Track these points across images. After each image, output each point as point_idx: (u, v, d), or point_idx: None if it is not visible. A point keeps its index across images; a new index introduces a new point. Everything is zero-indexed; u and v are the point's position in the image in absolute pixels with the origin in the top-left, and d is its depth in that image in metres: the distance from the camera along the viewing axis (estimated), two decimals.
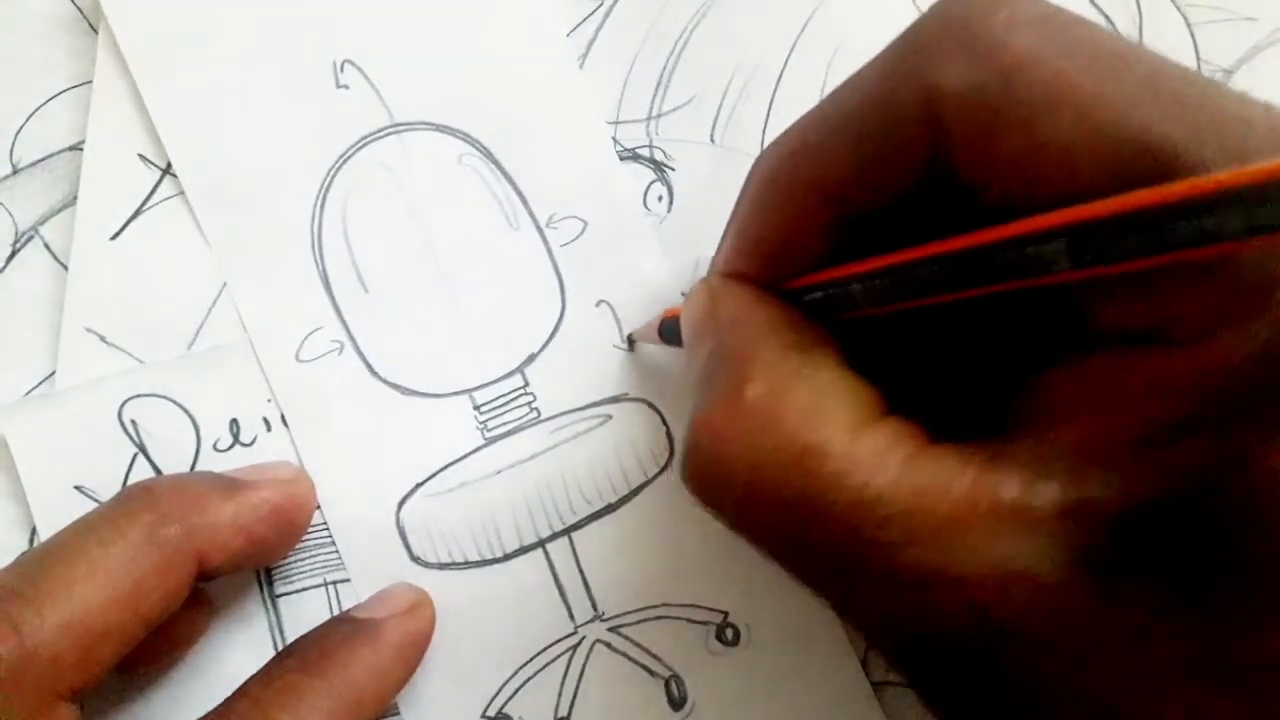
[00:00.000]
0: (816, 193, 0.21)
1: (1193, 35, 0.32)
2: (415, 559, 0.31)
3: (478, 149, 0.32)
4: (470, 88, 0.32)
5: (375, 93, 0.31)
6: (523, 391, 0.31)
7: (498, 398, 0.31)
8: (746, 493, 0.20)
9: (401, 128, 0.31)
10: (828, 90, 0.32)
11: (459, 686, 0.30)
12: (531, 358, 0.31)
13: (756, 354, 0.21)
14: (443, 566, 0.31)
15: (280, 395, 0.31)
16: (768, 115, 0.32)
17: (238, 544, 0.27)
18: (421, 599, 0.30)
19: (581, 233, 0.32)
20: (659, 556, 0.31)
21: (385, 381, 0.31)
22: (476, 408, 0.31)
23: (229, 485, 0.28)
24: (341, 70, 0.31)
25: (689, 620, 0.31)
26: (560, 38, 0.32)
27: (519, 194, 0.32)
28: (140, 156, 0.31)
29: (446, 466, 0.31)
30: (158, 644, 0.29)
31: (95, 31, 0.31)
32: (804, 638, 0.30)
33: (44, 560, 0.25)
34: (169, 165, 0.31)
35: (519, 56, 0.32)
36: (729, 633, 0.31)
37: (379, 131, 0.31)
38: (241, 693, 0.27)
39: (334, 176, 0.31)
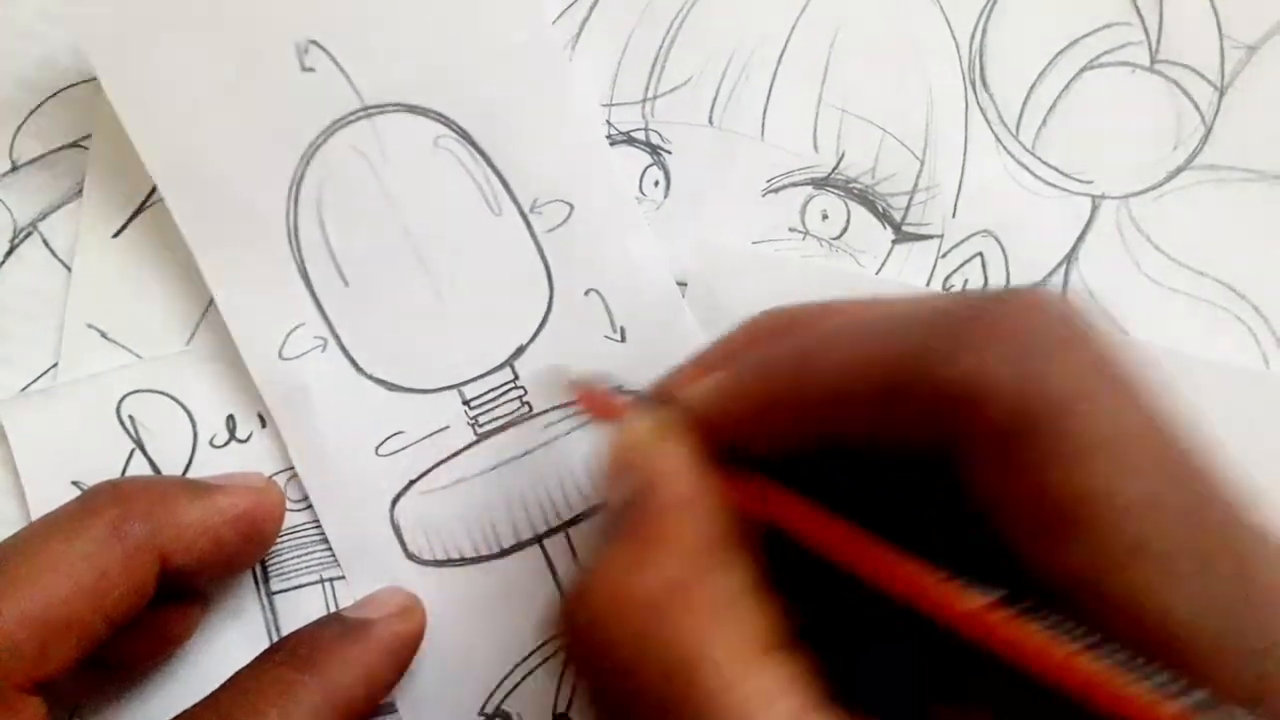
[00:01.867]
0: (818, 410, 0.20)
1: (1215, 10, 0.30)
2: (410, 556, 0.30)
3: (454, 130, 0.30)
4: (443, 66, 0.30)
5: (343, 74, 0.30)
6: (513, 385, 0.30)
7: (487, 392, 0.30)
8: (615, 677, 0.19)
9: (372, 110, 0.30)
10: (830, 70, 0.32)
11: (456, 683, 0.30)
12: (520, 350, 0.31)
13: (674, 531, 0.20)
14: (439, 564, 0.30)
15: (265, 394, 0.30)
16: (768, 95, 0.31)
17: (203, 545, 0.27)
18: (412, 602, 0.30)
19: (567, 218, 0.31)
20: None
21: (371, 378, 0.30)
22: (466, 403, 0.30)
23: (197, 488, 0.28)
24: (306, 52, 0.30)
25: None
26: (539, 9, 0.31)
27: (499, 177, 0.31)
28: None
29: (439, 463, 0.30)
30: (150, 640, 0.29)
31: None
32: None
33: (6, 553, 0.25)
34: None
35: (494, 31, 0.30)
36: None
37: (349, 115, 0.30)
38: (230, 685, 0.26)
39: (306, 166, 0.30)
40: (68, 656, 0.24)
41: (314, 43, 0.30)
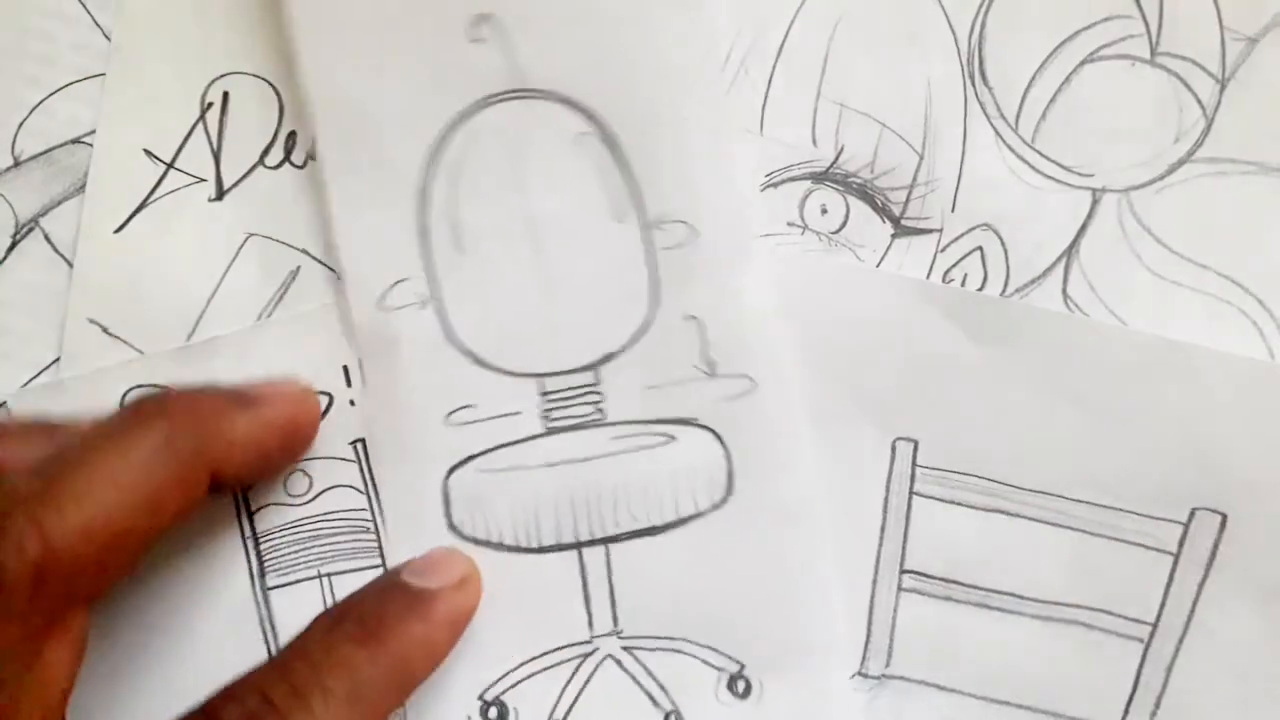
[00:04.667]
0: None
1: (1215, 1, 0.30)
2: (453, 527, 0.30)
3: (600, 130, 0.31)
4: (607, 66, 0.30)
5: (509, 52, 0.30)
6: (592, 389, 0.31)
7: (567, 389, 0.31)
8: None
9: (529, 94, 0.31)
10: (829, 64, 0.32)
11: (464, 662, 0.30)
12: (608, 357, 0.31)
13: None
14: (477, 542, 0.30)
15: (358, 337, 0.31)
16: (767, 89, 0.31)
17: (249, 458, 0.28)
18: (471, 572, 0.30)
19: (688, 240, 0.30)
20: (691, 591, 0.30)
21: (459, 348, 0.31)
22: (544, 394, 0.31)
23: (241, 400, 0.28)
24: (480, 24, 0.30)
25: (704, 661, 0.30)
26: (712, 36, 0.31)
27: (632, 185, 0.31)
28: (145, 151, 0.32)
29: (503, 446, 0.30)
30: None
31: (99, 26, 0.32)
32: (815, 711, 0.30)
33: (63, 465, 0.25)
34: (173, 160, 0.32)
35: (663, 45, 0.30)
36: (740, 684, 0.30)
37: (506, 93, 0.31)
38: (298, 652, 0.26)
39: (454, 130, 0.31)
40: (121, 570, 0.25)
41: (490, 16, 0.30)
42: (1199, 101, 0.30)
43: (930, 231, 0.31)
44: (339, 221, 0.31)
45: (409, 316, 0.31)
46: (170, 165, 0.32)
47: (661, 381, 0.30)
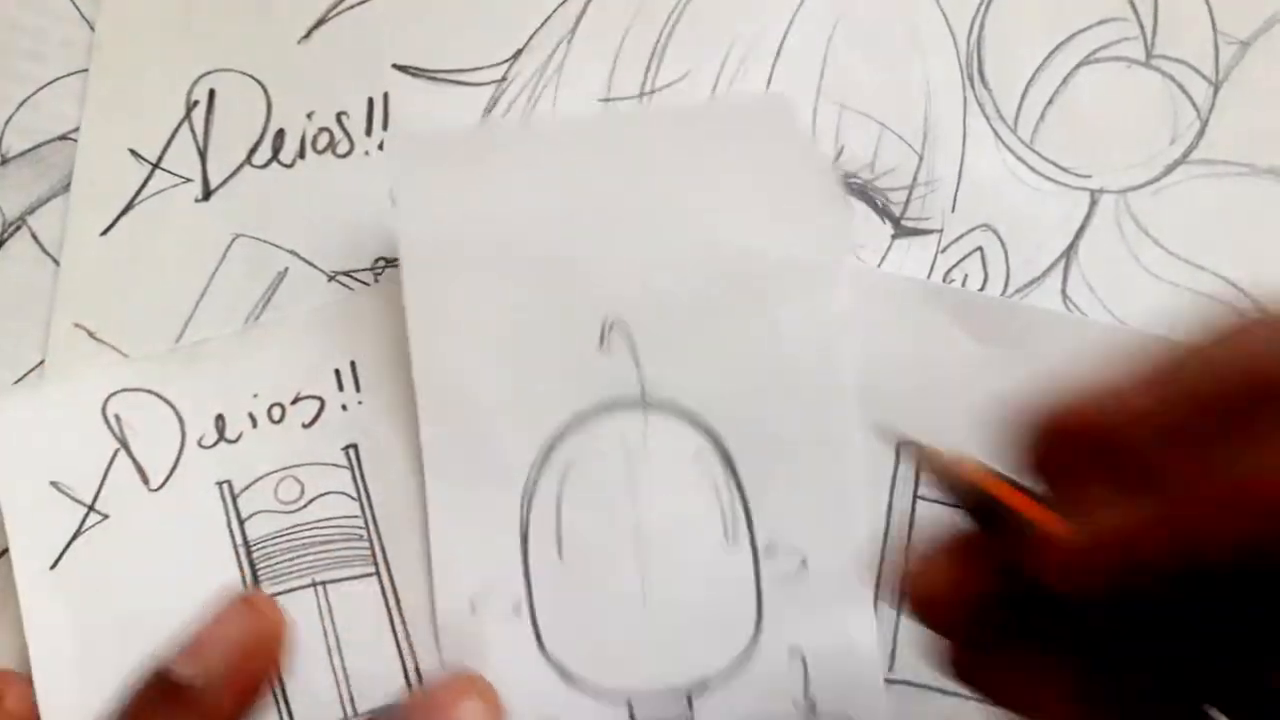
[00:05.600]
0: None
1: (1209, 5, 0.31)
2: None
3: (718, 449, 0.30)
4: (730, 383, 0.30)
5: (635, 362, 0.29)
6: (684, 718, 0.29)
7: (658, 716, 0.29)
8: None
9: (649, 406, 0.30)
10: (829, 64, 0.32)
11: None
12: (704, 683, 0.29)
13: None
14: None
15: (442, 640, 0.29)
16: (766, 90, 0.31)
17: None
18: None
19: (798, 570, 0.29)
20: None
21: (551, 661, 0.29)
22: (632, 717, 0.29)
23: None
24: (609, 329, 0.29)
25: None
26: (841, 352, 0.30)
27: (745, 508, 0.30)
28: (131, 151, 0.31)
29: None
30: None
31: (87, 21, 0.31)
32: None
33: None
34: (159, 160, 0.31)
35: (790, 364, 0.30)
36: None
37: (626, 402, 0.30)
38: None
39: (570, 433, 0.30)
40: None
41: (619, 323, 0.30)
42: (1193, 104, 0.31)
43: (930, 232, 0.31)
44: (435, 513, 0.30)
45: (501, 623, 0.29)
46: (156, 165, 0.31)
47: (758, 717, 0.29)
